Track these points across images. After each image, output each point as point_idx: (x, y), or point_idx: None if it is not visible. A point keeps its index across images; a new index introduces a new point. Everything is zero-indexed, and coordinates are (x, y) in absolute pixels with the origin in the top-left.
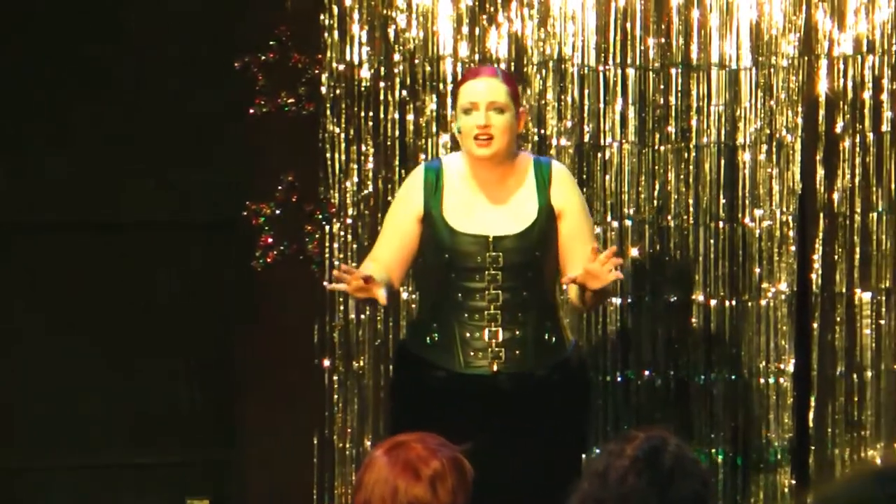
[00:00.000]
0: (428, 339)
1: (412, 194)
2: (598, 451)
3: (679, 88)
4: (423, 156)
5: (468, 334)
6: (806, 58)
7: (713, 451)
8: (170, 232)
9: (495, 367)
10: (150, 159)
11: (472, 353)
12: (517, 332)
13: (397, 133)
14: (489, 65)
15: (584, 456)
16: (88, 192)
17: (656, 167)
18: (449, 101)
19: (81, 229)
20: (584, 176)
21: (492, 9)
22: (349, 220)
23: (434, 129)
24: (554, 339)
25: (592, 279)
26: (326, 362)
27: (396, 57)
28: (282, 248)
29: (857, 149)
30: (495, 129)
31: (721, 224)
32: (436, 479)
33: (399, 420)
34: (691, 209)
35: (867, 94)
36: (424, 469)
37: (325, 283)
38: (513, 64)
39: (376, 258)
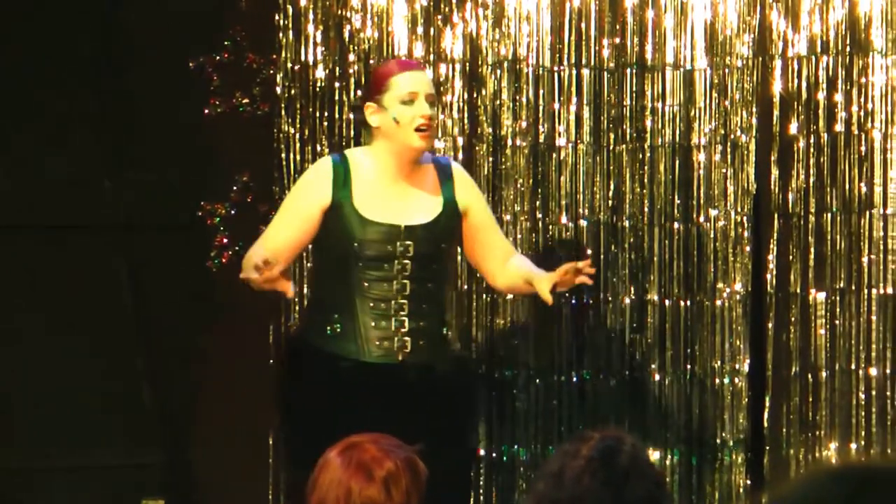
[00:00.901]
0: (329, 329)
1: (319, 185)
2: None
3: (634, 89)
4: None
5: (374, 323)
6: (760, 58)
7: (668, 451)
8: (124, 233)
9: (401, 357)
10: (104, 160)
11: (377, 343)
12: (422, 323)
13: (352, 133)
14: (406, 59)
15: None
16: (40, 194)
17: (611, 167)
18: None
19: (33, 231)
20: (539, 177)
21: (447, 9)
22: None
23: None
24: (449, 333)
25: (563, 284)
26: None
27: (351, 57)
28: (237, 248)
29: (812, 149)
30: (433, 121)
31: (676, 224)
32: (389, 479)
33: (301, 413)
34: (646, 209)
35: (821, 95)
36: (378, 470)
37: (241, 276)
38: (468, 64)
39: (271, 246)
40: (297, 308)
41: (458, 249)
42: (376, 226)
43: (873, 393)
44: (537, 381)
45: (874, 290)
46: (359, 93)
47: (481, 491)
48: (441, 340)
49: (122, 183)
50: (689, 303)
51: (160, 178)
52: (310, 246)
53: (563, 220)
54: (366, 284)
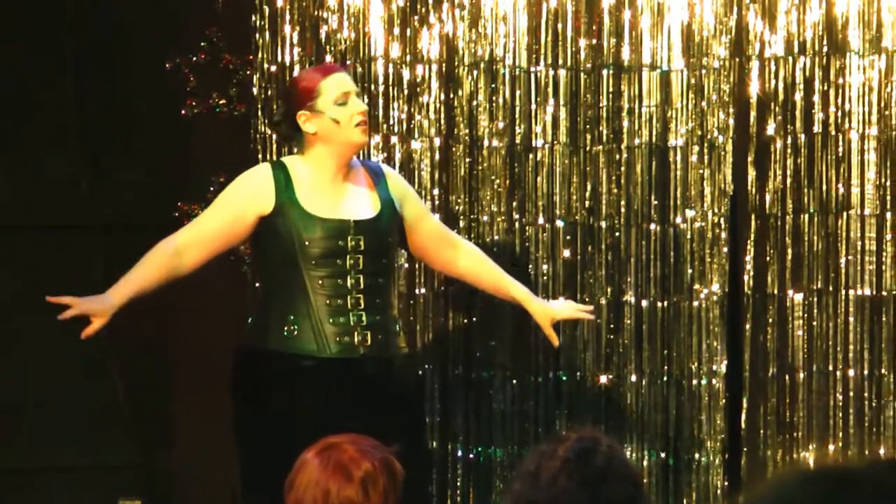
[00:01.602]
0: (286, 331)
1: (260, 192)
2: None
3: (610, 90)
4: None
5: (331, 320)
6: (737, 59)
7: (645, 452)
8: (103, 234)
9: (362, 351)
10: (82, 161)
11: (337, 339)
12: (378, 317)
13: None
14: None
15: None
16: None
17: (588, 168)
18: (289, 102)
19: (13, 232)
20: (516, 177)
21: (423, 10)
22: None
23: None
24: (398, 328)
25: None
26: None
27: (328, 58)
28: None
29: (789, 150)
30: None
31: (653, 225)
32: (367, 480)
33: (269, 417)
34: (623, 210)
35: (798, 96)
36: (356, 471)
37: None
38: (444, 65)
39: (195, 235)
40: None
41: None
42: (326, 222)
43: (851, 394)
44: (514, 381)
45: (851, 291)
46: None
47: (458, 491)
48: (394, 335)
49: (100, 184)
50: (665, 304)
51: (138, 178)
52: (245, 256)
53: (540, 220)
54: (319, 282)
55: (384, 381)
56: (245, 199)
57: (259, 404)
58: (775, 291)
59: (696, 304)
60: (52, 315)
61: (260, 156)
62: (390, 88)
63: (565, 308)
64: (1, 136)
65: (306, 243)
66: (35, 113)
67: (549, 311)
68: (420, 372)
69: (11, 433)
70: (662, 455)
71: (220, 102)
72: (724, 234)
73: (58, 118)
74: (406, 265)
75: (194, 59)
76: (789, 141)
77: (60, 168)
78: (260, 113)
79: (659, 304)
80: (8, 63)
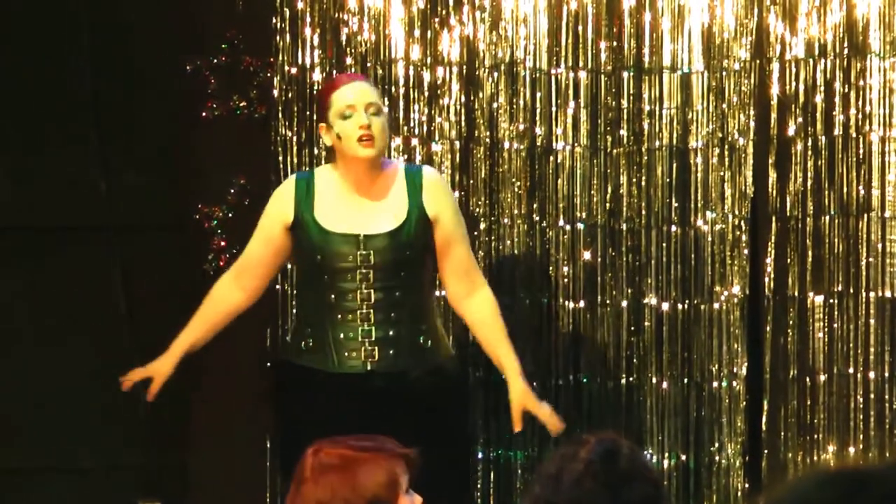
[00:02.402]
0: (303, 344)
1: (281, 204)
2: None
3: (631, 92)
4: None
5: (342, 334)
6: (758, 61)
7: (666, 454)
8: (122, 235)
9: (369, 367)
10: (102, 162)
11: (345, 353)
12: (390, 332)
13: None
14: (351, 72)
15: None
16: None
17: (608, 170)
18: (314, 114)
19: (28, 233)
20: (537, 179)
21: (444, 12)
22: None
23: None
24: (429, 342)
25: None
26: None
27: (348, 60)
28: (234, 251)
29: (810, 152)
30: (375, 130)
31: (673, 227)
32: (317, 474)
33: (286, 427)
34: (643, 212)
35: (819, 98)
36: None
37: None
38: (465, 67)
39: (240, 268)
40: (293, 311)
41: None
42: (335, 236)
43: (871, 396)
44: (534, 384)
45: (872, 294)
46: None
47: (478, 493)
48: (416, 348)
49: (119, 185)
50: (686, 306)
51: (157, 180)
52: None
53: (561, 222)
54: (332, 296)
55: (396, 396)
56: (270, 213)
57: (282, 412)
58: (796, 293)
59: (716, 306)
60: (50, 315)
61: (280, 158)
62: (411, 91)
63: (541, 406)
64: (11, 136)
65: (319, 257)
66: (52, 113)
67: (528, 396)
68: (459, 380)
69: (11, 433)
70: (683, 457)
71: (241, 104)
72: (744, 237)
73: (75, 119)
74: None
75: (215, 61)
76: (810, 143)
77: (73, 168)
78: (280, 115)
79: (679, 307)
80: (26, 63)
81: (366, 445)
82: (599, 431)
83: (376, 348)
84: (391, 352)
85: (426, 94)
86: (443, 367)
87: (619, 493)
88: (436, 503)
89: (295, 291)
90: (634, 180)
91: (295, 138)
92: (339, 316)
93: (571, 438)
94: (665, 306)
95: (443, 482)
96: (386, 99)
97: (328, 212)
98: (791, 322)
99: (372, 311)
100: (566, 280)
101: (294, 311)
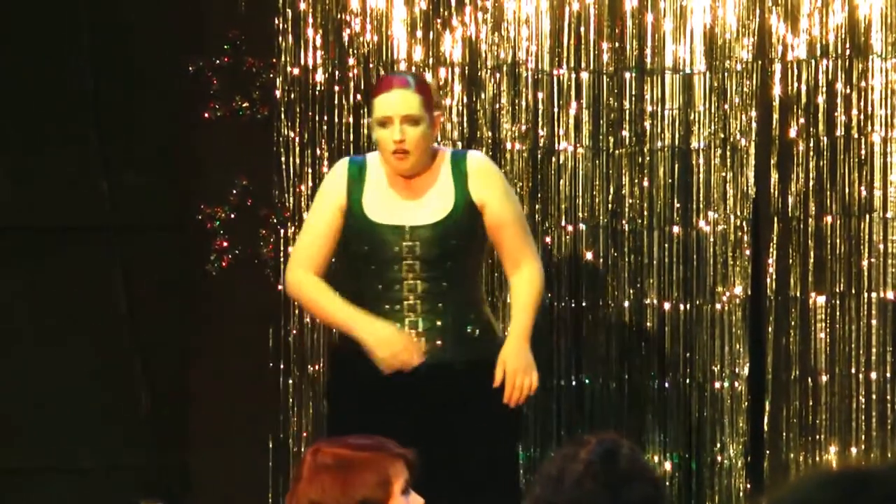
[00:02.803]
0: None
1: (336, 186)
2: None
3: (633, 92)
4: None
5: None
6: (760, 62)
7: (668, 455)
8: (122, 235)
9: None
10: (102, 162)
11: None
12: (437, 322)
13: (352, 137)
14: (402, 74)
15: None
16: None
17: (610, 171)
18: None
19: (28, 233)
20: (539, 180)
21: (446, 13)
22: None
23: None
24: (477, 331)
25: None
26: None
27: (351, 61)
28: (236, 251)
29: (811, 153)
30: (410, 143)
31: (675, 228)
32: (312, 474)
33: (334, 418)
34: (645, 213)
35: (821, 99)
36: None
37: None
38: (467, 68)
39: (305, 254)
40: (296, 311)
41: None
42: (382, 227)
43: (873, 397)
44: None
45: (874, 294)
46: (358, 97)
47: None
48: (464, 339)
49: (120, 185)
50: (688, 306)
51: (158, 180)
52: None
53: (563, 223)
54: (379, 287)
55: (443, 386)
56: (325, 199)
57: (337, 404)
58: (798, 294)
59: (718, 306)
60: (50, 315)
61: (283, 158)
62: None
63: (513, 371)
64: (11, 136)
65: (366, 248)
66: (52, 113)
67: (511, 357)
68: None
69: (11, 433)
70: (685, 458)
71: (243, 105)
72: (746, 237)
73: (75, 119)
74: None
75: (217, 61)
76: (812, 144)
77: (73, 168)
78: (283, 116)
79: (681, 307)
80: (26, 63)
81: (363, 444)
82: (601, 432)
83: (423, 339)
84: (438, 343)
85: None
86: (492, 358)
87: (620, 493)
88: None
89: (346, 277)
90: (636, 181)
91: (297, 139)
92: (387, 306)
93: (573, 439)
94: (667, 307)
95: (486, 479)
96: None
97: (375, 201)
98: (793, 322)
99: (419, 301)
100: (568, 281)
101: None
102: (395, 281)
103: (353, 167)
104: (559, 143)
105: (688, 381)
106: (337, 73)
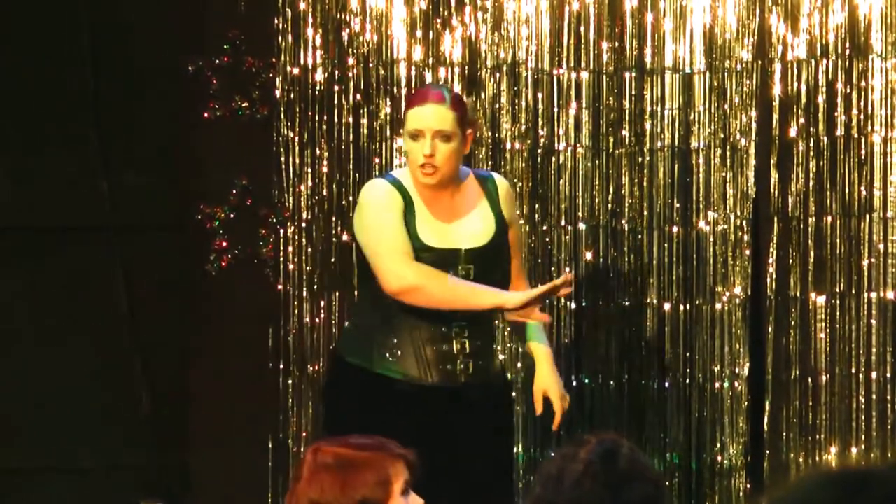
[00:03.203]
0: (388, 354)
1: (394, 205)
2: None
3: (633, 92)
4: (376, 159)
5: (434, 347)
6: (759, 62)
7: (668, 455)
8: (122, 235)
9: (463, 379)
10: (102, 162)
11: (440, 366)
12: (479, 343)
13: (351, 137)
14: (438, 87)
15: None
16: (37, 194)
17: (610, 171)
18: (403, 106)
19: (28, 233)
20: (539, 180)
21: (446, 12)
22: (303, 224)
23: (388, 132)
24: (496, 349)
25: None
26: (281, 366)
27: (350, 60)
28: (236, 251)
29: (811, 153)
30: (440, 158)
31: (675, 228)
32: (312, 475)
33: (333, 420)
34: (645, 213)
35: (821, 98)
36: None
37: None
38: (467, 68)
39: (403, 251)
40: (295, 311)
41: None
42: (437, 251)
43: (873, 397)
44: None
45: (874, 294)
46: (358, 96)
47: None
48: (494, 356)
49: (120, 185)
50: (688, 306)
51: (158, 180)
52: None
53: (563, 223)
54: (428, 311)
55: (484, 407)
56: (383, 210)
57: (356, 420)
58: (798, 294)
59: (718, 306)
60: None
61: (282, 158)
62: (413, 91)
63: (559, 399)
64: (11, 136)
65: None
66: (52, 113)
67: (551, 383)
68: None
69: (11, 433)
70: (685, 458)
71: (243, 105)
72: (746, 237)
73: (75, 119)
74: None
75: (217, 61)
76: (812, 144)
77: (73, 168)
78: (282, 116)
79: (681, 307)
80: (26, 63)
81: (364, 444)
82: (601, 432)
83: (470, 361)
84: (481, 363)
85: None
86: (503, 374)
87: (620, 493)
88: None
89: (369, 297)
90: (636, 181)
91: (297, 139)
92: (433, 329)
93: (573, 438)
94: (667, 307)
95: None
96: (388, 99)
97: (425, 225)
98: (793, 322)
99: (466, 323)
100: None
101: (366, 316)
102: None
103: (400, 190)
104: (559, 142)
105: (688, 381)
106: (337, 72)
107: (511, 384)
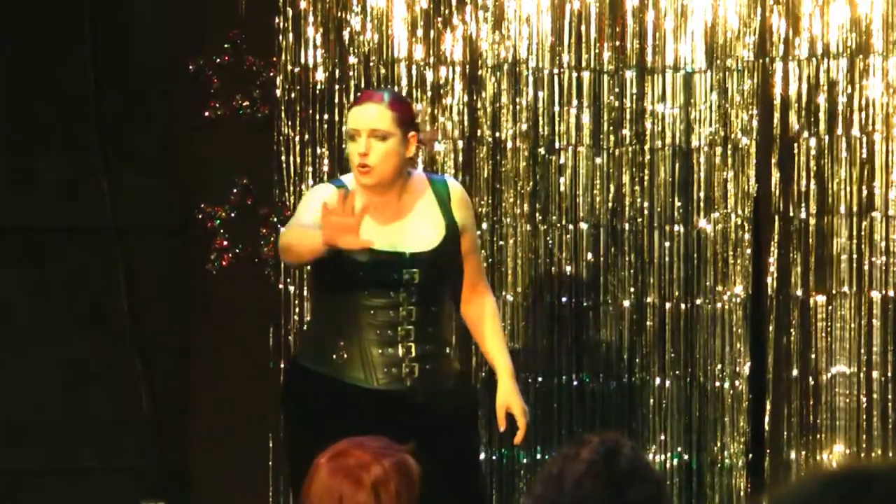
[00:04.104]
0: (335, 356)
1: (321, 200)
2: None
3: (634, 91)
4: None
5: (380, 350)
6: (761, 61)
7: (668, 454)
8: (124, 235)
9: (409, 383)
10: (103, 162)
11: (386, 370)
12: (427, 347)
13: None
14: (382, 90)
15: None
16: (37, 194)
17: (611, 170)
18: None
19: (28, 233)
20: (539, 179)
21: (447, 11)
22: None
23: None
24: (451, 351)
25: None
26: (281, 365)
27: (351, 59)
28: (237, 251)
29: (812, 152)
30: (374, 158)
31: (676, 227)
32: (378, 484)
33: (301, 438)
34: (646, 212)
35: (822, 97)
36: (366, 476)
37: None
38: (467, 67)
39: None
40: (296, 310)
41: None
42: (381, 254)
43: (874, 396)
44: (537, 384)
45: (875, 293)
46: (358, 95)
47: None
48: (445, 361)
49: (120, 185)
50: (689, 306)
51: (159, 180)
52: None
53: (563, 222)
54: (371, 312)
55: (431, 410)
56: (316, 199)
57: (305, 422)
58: (798, 293)
59: (719, 305)
60: (50, 316)
61: (283, 157)
62: (413, 90)
63: (521, 415)
64: (11, 136)
65: (360, 273)
66: (52, 113)
67: (513, 398)
68: (471, 390)
69: (11, 433)
70: (686, 457)
71: (244, 104)
72: (747, 236)
73: (75, 119)
74: None
75: (217, 60)
76: (813, 143)
77: (73, 168)
78: (283, 115)
79: (682, 306)
80: (27, 62)
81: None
82: (602, 431)
83: (416, 365)
84: (429, 367)
85: (429, 93)
86: (462, 374)
87: (621, 492)
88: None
89: (318, 301)
90: (637, 180)
91: (298, 138)
92: (379, 332)
93: (574, 438)
94: (668, 306)
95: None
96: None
97: (368, 227)
98: (794, 322)
99: (413, 327)
100: (569, 280)
101: (316, 320)
102: (389, 307)
103: (339, 190)
104: (560, 141)
105: (688, 380)
106: (337, 71)
107: (473, 387)
